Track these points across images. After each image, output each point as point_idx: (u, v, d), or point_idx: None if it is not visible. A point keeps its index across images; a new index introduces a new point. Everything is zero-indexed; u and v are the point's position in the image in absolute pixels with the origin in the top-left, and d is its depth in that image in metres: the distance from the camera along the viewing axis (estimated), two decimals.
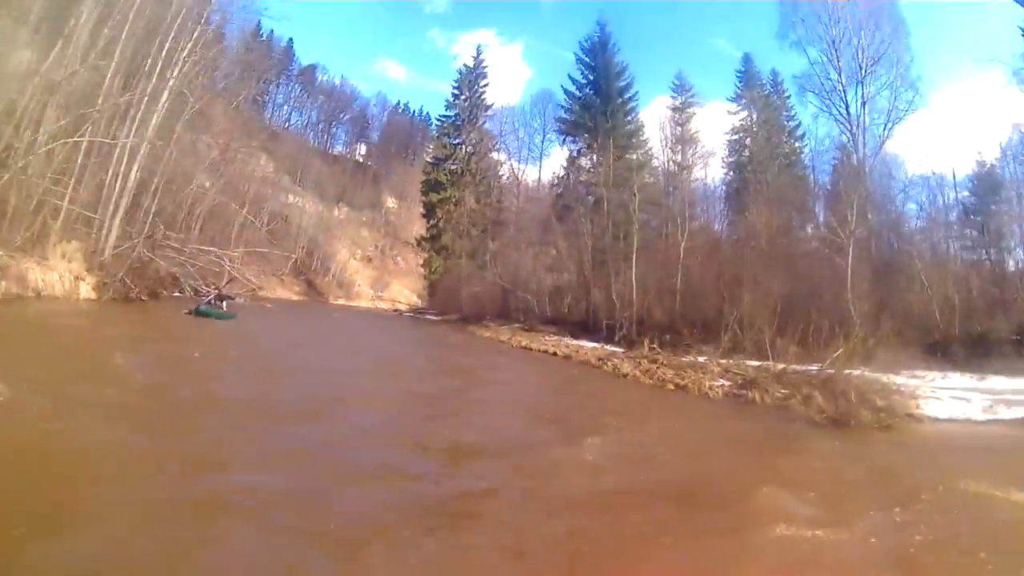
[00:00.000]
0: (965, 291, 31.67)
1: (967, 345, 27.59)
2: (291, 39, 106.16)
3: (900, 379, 20.72)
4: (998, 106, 60.69)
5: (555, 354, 31.48)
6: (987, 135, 71.55)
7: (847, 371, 18.85)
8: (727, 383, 20.96)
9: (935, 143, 70.55)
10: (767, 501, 8.84)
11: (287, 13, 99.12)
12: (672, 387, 21.36)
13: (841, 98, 40.45)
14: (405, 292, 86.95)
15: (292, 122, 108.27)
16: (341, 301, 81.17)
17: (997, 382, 22.10)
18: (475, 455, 10.35)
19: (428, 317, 60.66)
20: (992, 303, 30.92)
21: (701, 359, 24.56)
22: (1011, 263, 35.13)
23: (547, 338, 37.20)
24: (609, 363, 26.36)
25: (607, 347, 32.31)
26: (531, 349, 33.80)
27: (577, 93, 56.24)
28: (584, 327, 39.43)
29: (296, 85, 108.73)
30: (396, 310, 74.10)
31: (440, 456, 10.17)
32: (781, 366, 21.10)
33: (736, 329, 27.24)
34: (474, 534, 6.94)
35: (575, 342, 35.32)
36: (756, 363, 22.77)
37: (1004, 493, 9.57)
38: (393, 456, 9.80)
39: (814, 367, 20.15)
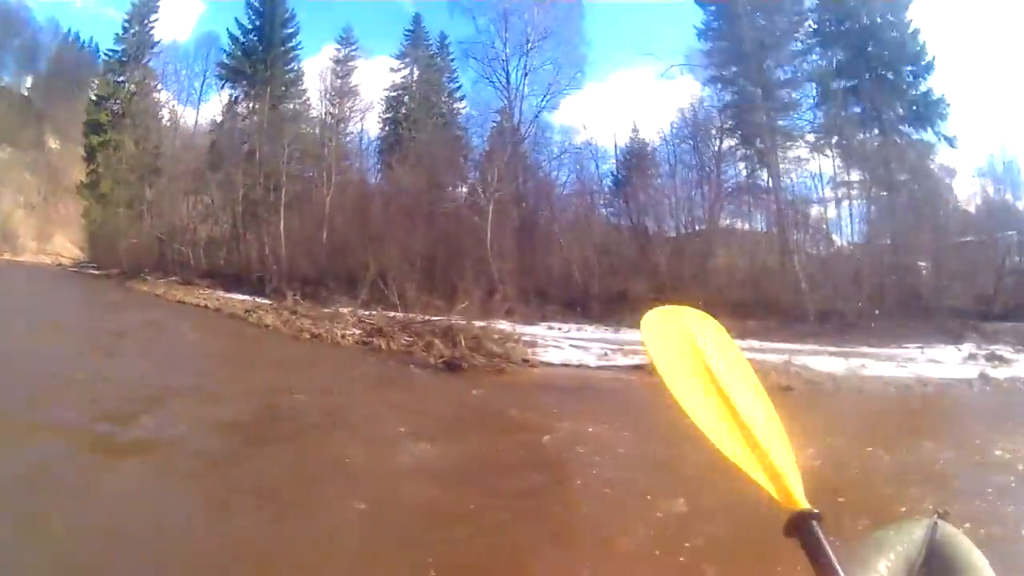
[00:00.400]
0: (607, 253, 34.16)
1: (607, 302, 29.86)
2: None
3: (534, 329, 22.68)
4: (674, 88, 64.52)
5: (207, 307, 31.26)
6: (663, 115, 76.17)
7: (474, 322, 19.83)
8: (358, 332, 21.48)
9: (615, 119, 73.92)
10: (374, 436, 10.12)
11: None
12: (308, 336, 21.84)
13: (503, 67, 41.20)
14: (68, 245, 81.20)
15: None
16: (7, 256, 75.29)
17: (629, 335, 23.56)
18: (111, 418, 10.19)
19: (90, 272, 56.61)
20: (634, 265, 32.99)
21: (344, 311, 24.81)
22: (673, 230, 37.73)
23: (202, 292, 36.35)
24: (255, 315, 26.49)
25: (257, 300, 32.09)
26: (185, 303, 33.20)
27: (241, 39, 53.75)
28: (239, 280, 38.57)
29: None
30: (59, 264, 69.65)
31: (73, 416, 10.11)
32: (412, 316, 21.65)
33: (380, 282, 27.49)
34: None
35: (227, 295, 34.78)
36: (393, 314, 23.35)
37: (588, 427, 10.69)
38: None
39: (442, 318, 20.80)
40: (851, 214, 37.45)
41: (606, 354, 18.71)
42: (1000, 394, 16.28)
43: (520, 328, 22.60)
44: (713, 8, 38.57)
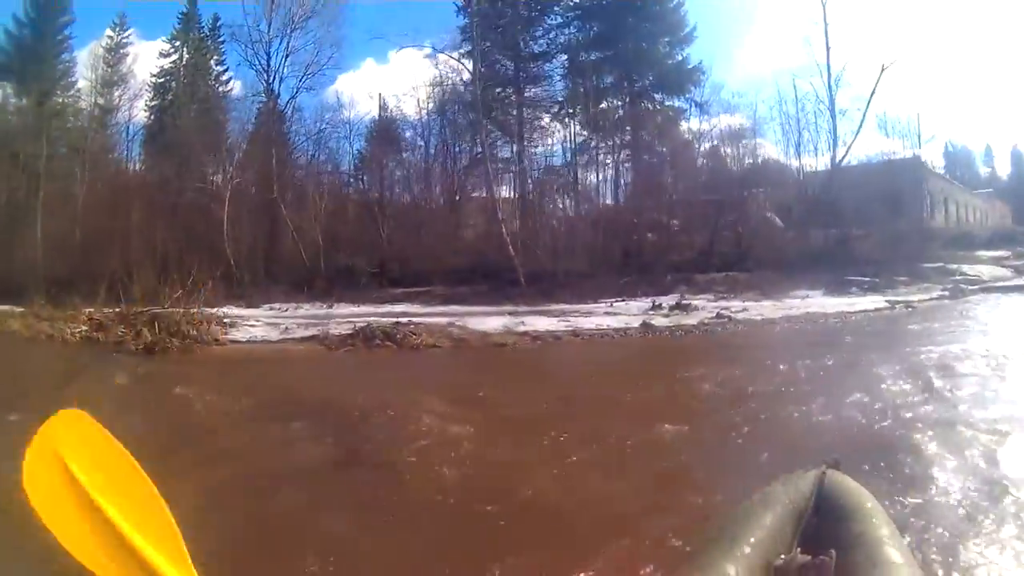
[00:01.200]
0: (335, 231, 38.57)
1: (332, 279, 34.28)
2: None
3: (253, 311, 26.86)
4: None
5: None
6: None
7: (179, 309, 22.79)
8: (85, 328, 23.75)
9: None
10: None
11: None
12: (44, 337, 23.80)
13: (265, 49, 43.75)
14: None
15: None
16: None
17: (340, 309, 28.69)
18: None
19: None
20: (360, 241, 38.47)
21: (87, 310, 27.08)
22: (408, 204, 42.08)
23: None
24: (5, 323, 27.77)
25: (14, 308, 33.05)
26: None
27: (16, 33, 51.92)
28: (5, 290, 39.40)
29: None
30: None
31: None
32: (129, 309, 24.17)
33: (124, 278, 29.57)
34: None
35: None
36: (117, 309, 25.80)
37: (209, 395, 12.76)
38: None
39: (155, 308, 23.41)
40: (598, 178, 41.19)
41: (287, 329, 22.20)
42: (638, 341, 19.39)
43: (243, 311, 26.46)
44: None
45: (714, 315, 22.59)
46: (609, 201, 41.01)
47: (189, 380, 14.12)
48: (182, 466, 7.72)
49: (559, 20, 42.86)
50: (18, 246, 41.29)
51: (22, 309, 31.45)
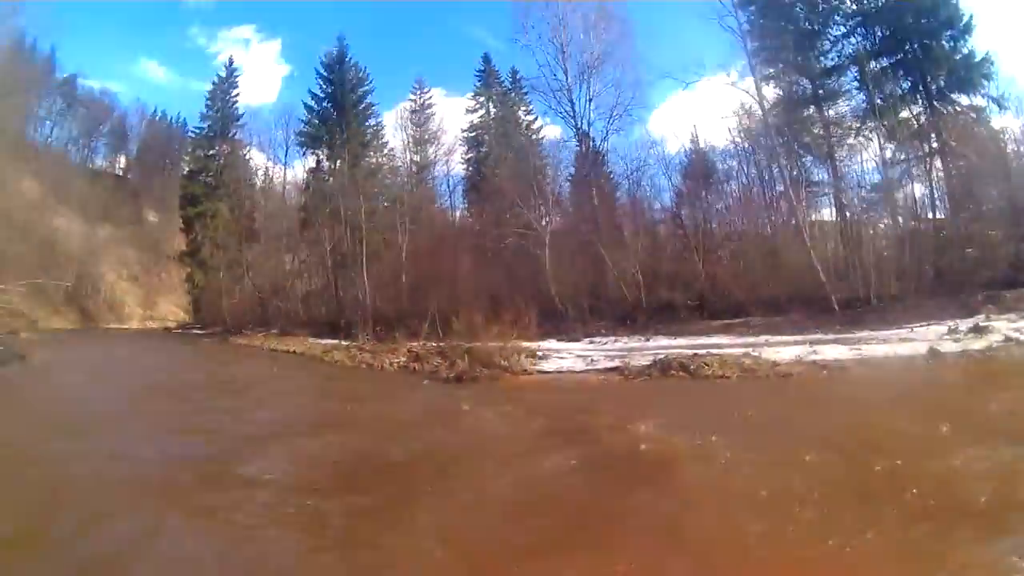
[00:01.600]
0: (654, 268, 39.22)
1: (651, 312, 35.42)
2: (53, 47, 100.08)
3: (570, 345, 29.46)
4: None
5: (294, 352, 37.18)
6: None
7: (496, 343, 25.29)
8: (403, 359, 27.36)
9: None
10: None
11: (53, 19, 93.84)
12: (365, 366, 28.10)
13: (567, 97, 45.74)
14: (173, 309, 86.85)
15: (53, 137, 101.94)
16: (113, 325, 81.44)
17: (655, 341, 29.44)
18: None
19: (195, 332, 63.86)
20: (678, 275, 38.48)
21: (409, 344, 31.08)
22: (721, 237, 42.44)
23: (294, 340, 42.55)
24: (330, 354, 32.50)
25: (342, 342, 38.00)
26: (277, 350, 39.17)
27: (316, 107, 59.79)
28: (333, 327, 44.52)
29: (57, 96, 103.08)
30: (166, 328, 75.67)
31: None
32: (448, 343, 27.63)
33: (452, 316, 32.36)
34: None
35: (315, 340, 41.01)
36: (437, 344, 29.21)
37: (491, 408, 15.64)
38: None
39: (475, 343, 26.16)
40: (913, 193, 39.39)
41: (592, 360, 24.03)
42: (917, 368, 18.89)
43: (562, 344, 29.24)
44: (753, 7, 41.42)
45: (1003, 338, 21.67)
46: (929, 215, 39.49)
47: (489, 402, 16.60)
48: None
49: (842, 30, 41.82)
50: (348, 289, 47.30)
51: (347, 343, 35.40)
